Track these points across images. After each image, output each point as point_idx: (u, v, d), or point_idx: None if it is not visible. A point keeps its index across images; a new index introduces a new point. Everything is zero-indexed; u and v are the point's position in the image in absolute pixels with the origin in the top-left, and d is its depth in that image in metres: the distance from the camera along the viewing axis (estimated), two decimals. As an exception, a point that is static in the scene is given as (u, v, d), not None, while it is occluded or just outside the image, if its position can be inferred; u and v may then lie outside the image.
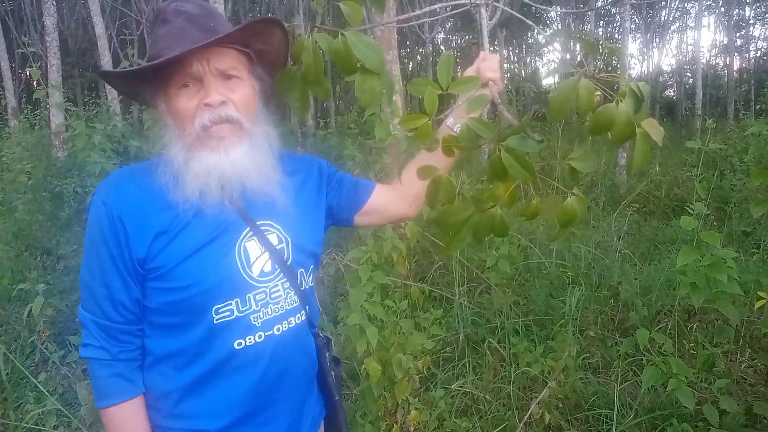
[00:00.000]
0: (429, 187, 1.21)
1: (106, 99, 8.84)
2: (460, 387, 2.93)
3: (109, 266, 1.15)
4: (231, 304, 1.16)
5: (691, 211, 2.30)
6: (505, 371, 3.14)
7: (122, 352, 1.18)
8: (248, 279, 1.18)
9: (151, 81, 1.17)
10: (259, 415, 1.22)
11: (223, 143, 1.14)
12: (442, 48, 22.37)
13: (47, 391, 3.08)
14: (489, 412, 2.78)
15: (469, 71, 1.34)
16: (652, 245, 5.66)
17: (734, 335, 3.47)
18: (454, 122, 1.35)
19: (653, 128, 1.10)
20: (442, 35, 22.50)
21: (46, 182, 6.45)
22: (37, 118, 8.76)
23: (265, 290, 1.20)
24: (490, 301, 3.73)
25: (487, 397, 2.90)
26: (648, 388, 2.91)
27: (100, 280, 1.16)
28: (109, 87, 8.86)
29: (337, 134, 8.92)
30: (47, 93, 5.62)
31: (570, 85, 1.05)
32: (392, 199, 1.49)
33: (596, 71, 1.16)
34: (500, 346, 3.30)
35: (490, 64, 1.32)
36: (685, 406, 2.74)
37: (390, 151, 3.77)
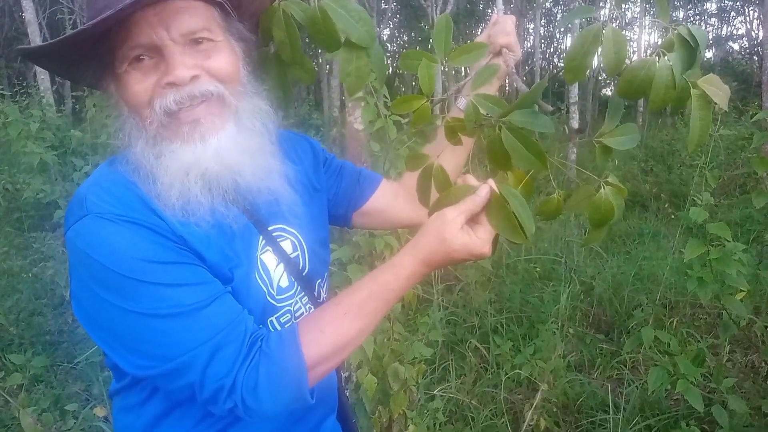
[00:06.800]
0: (419, 180, 0.97)
1: (38, 90, 8.23)
2: (443, 393, 2.75)
3: (171, 267, 0.79)
4: None
5: (699, 201, 2.19)
6: (488, 374, 2.99)
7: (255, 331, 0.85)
8: (272, 301, 0.94)
9: (93, 56, 0.84)
10: None
11: (199, 128, 0.84)
12: (388, 45, 22.15)
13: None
14: (479, 420, 2.60)
15: (480, 38, 1.12)
16: (608, 238, 5.68)
17: (712, 329, 3.46)
18: (466, 103, 1.12)
19: (714, 88, 0.86)
20: (387, 31, 22.28)
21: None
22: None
23: (289, 309, 0.96)
24: (467, 300, 3.58)
25: (474, 402, 2.73)
26: (636, 388, 2.82)
27: (172, 300, 0.78)
28: (42, 77, 8.25)
29: (298, 126, 8.56)
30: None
31: (592, 34, 0.81)
32: (399, 200, 1.22)
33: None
34: (482, 347, 3.15)
35: (502, 27, 1.11)
36: (682, 406, 2.66)
37: (350, 144, 3.51)
